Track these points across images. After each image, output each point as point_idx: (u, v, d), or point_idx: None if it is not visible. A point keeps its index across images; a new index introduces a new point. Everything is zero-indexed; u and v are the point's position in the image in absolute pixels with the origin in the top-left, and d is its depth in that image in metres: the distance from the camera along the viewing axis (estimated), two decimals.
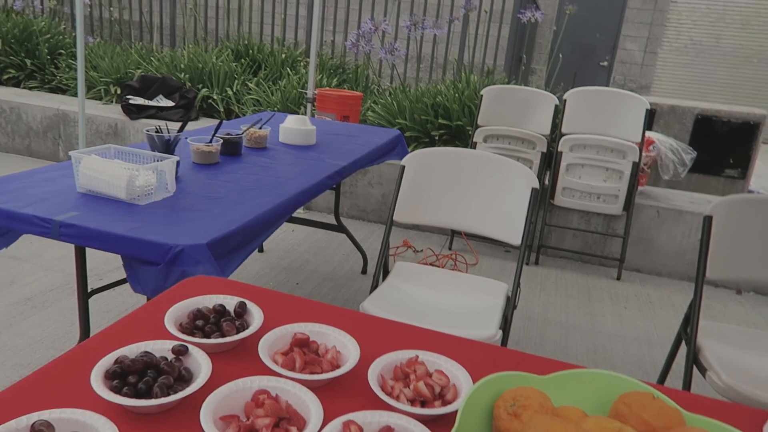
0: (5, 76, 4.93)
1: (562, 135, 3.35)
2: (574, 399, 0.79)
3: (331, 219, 3.85)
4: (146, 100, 4.29)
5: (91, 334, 1.90)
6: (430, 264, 3.29)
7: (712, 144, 3.87)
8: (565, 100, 3.41)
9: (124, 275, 2.74)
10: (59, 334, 2.26)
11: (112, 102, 4.55)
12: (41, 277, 2.69)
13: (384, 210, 3.81)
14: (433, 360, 0.92)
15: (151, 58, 4.92)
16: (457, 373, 0.89)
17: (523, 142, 3.40)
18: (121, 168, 1.56)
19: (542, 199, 3.44)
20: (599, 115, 3.40)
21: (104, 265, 2.84)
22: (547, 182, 3.47)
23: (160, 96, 4.37)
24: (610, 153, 3.25)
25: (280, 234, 3.50)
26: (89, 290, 1.80)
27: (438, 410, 0.80)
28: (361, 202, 3.86)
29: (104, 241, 1.38)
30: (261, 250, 3.23)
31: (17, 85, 4.98)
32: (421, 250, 3.46)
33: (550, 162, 3.44)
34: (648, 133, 3.41)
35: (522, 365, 0.97)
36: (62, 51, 5.16)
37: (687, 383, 1.66)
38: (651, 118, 3.91)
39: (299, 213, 3.90)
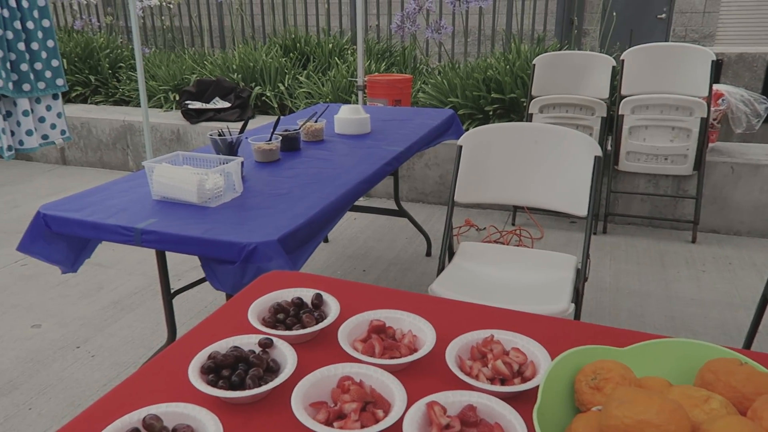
0: (73, 94, 5.22)
1: (623, 97, 3.23)
2: (656, 370, 0.78)
3: (391, 204, 3.89)
4: (204, 104, 4.45)
5: (177, 332, 2.01)
6: (494, 241, 3.27)
7: None
8: (623, 60, 3.28)
9: (200, 275, 2.87)
10: (147, 334, 2.41)
11: (172, 109, 4.74)
12: (126, 281, 2.86)
13: (443, 191, 3.80)
14: (509, 338, 0.93)
15: (205, 62, 5.07)
16: (533, 349, 0.90)
17: (581, 108, 3.30)
18: (191, 173, 1.64)
19: (606, 166, 3.34)
20: (661, 73, 3.25)
21: (181, 265, 2.98)
22: (609, 148, 3.36)
23: (217, 98, 4.51)
24: (676, 111, 3.11)
25: (343, 223, 3.56)
26: (172, 291, 1.90)
27: (518, 387, 0.81)
28: (419, 184, 3.87)
29: (182, 244, 1.46)
30: (326, 240, 3.31)
31: (84, 101, 5.27)
32: (484, 228, 3.44)
33: (611, 127, 3.33)
34: (716, 86, 3.24)
35: (598, 338, 0.97)
36: (122, 64, 5.40)
37: None
38: (718, 70, 3.71)
39: (360, 201, 3.95)
